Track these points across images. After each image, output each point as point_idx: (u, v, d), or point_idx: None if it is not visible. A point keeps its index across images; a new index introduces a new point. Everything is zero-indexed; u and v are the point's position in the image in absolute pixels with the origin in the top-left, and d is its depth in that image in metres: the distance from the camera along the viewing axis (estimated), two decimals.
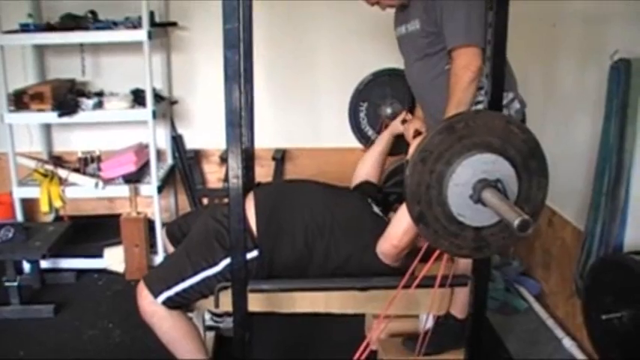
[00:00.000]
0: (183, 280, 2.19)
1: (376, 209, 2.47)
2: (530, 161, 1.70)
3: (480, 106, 2.41)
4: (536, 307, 3.30)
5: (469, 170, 1.63)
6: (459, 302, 2.60)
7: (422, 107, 2.82)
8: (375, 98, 3.19)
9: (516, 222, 1.47)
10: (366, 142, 3.24)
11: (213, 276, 2.17)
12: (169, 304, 2.21)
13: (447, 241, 1.73)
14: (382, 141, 2.91)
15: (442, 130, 1.64)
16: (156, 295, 2.19)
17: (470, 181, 1.63)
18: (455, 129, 1.63)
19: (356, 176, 2.85)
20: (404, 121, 2.86)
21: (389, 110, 3.15)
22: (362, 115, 3.23)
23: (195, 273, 2.19)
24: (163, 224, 3.17)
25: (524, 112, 2.57)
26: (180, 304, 2.25)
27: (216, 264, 2.17)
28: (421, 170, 1.65)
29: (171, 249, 2.67)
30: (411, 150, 2.67)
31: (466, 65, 2.29)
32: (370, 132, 3.24)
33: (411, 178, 1.67)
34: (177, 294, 2.20)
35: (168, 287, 2.19)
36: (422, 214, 1.68)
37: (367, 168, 2.86)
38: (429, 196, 1.67)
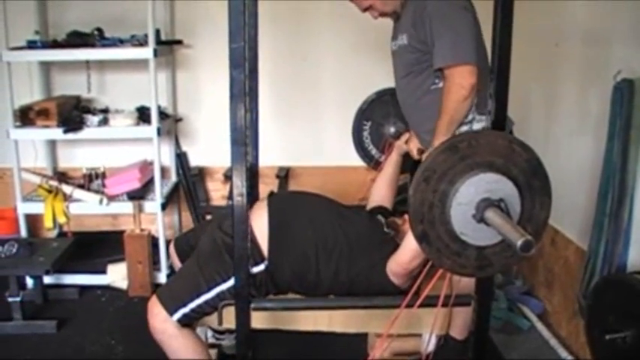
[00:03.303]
0: (198, 296, 2.19)
1: (387, 229, 2.47)
2: (533, 180, 1.71)
3: (479, 125, 2.43)
4: (539, 326, 3.29)
5: (472, 189, 1.63)
6: (458, 323, 2.60)
7: (409, 124, 2.82)
8: (379, 117, 3.20)
9: (519, 242, 1.47)
10: (370, 160, 3.24)
11: (227, 290, 2.17)
12: (184, 320, 2.21)
13: (450, 260, 1.72)
14: (391, 163, 2.90)
15: (445, 150, 1.64)
16: (172, 312, 2.19)
17: (473, 200, 1.63)
18: (458, 148, 1.64)
19: (370, 202, 2.84)
20: (407, 140, 2.87)
21: (392, 129, 3.16)
22: (365, 134, 3.24)
23: (210, 288, 2.19)
24: (167, 241, 3.17)
25: (511, 130, 2.58)
26: (193, 320, 2.26)
27: (230, 278, 2.15)
28: (424, 189, 1.66)
29: (177, 264, 2.67)
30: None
31: (459, 83, 2.29)
32: (374, 151, 3.25)
33: (414, 197, 1.67)
34: (192, 310, 2.20)
35: (184, 304, 2.19)
36: (425, 233, 1.68)
37: (381, 192, 2.85)
38: (432, 215, 1.67)
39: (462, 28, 2.32)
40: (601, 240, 2.56)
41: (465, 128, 2.45)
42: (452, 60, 2.33)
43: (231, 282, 2.16)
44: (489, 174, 1.64)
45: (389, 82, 3.35)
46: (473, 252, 1.72)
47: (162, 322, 2.20)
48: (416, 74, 2.55)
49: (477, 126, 2.46)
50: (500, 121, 1.83)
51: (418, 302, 1.93)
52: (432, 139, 2.44)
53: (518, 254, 1.50)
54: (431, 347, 2.48)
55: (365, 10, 2.67)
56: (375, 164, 3.25)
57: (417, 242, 1.70)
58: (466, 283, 2.28)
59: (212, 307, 2.21)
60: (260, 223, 2.26)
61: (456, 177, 1.65)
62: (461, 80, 2.30)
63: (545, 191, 1.74)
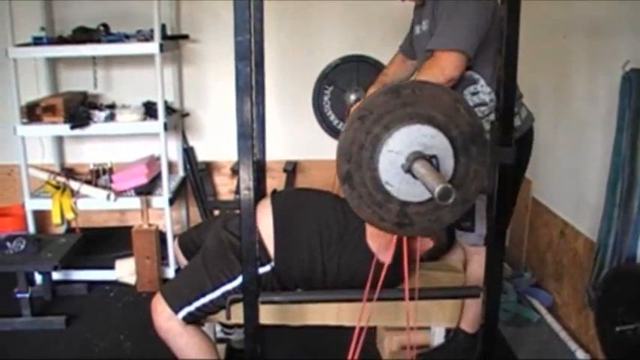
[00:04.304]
0: (203, 295, 2.19)
1: None
2: (472, 146, 1.66)
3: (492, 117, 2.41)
4: (549, 318, 3.28)
5: (406, 139, 1.59)
6: (469, 316, 2.59)
7: None
8: (341, 83, 3.12)
9: (438, 189, 1.44)
10: (327, 127, 3.17)
11: (233, 290, 2.17)
12: (189, 319, 2.20)
13: (370, 210, 1.68)
14: None
15: (387, 92, 1.60)
16: (176, 310, 2.19)
17: (405, 150, 1.59)
18: (400, 94, 1.60)
19: None
20: None
21: (353, 97, 3.07)
22: (326, 99, 3.17)
23: (215, 288, 2.19)
24: (175, 236, 3.17)
25: (531, 127, 2.56)
26: (198, 318, 2.25)
27: (235, 278, 2.16)
28: (358, 128, 1.61)
29: (183, 260, 2.66)
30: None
31: (442, 69, 2.23)
32: (332, 117, 3.18)
33: (345, 134, 1.62)
34: (197, 309, 2.20)
35: (189, 303, 2.19)
36: (350, 174, 1.64)
37: None
38: (361, 156, 1.63)
39: (465, 17, 2.28)
40: (610, 231, 2.55)
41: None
42: (444, 45, 2.28)
43: (236, 282, 2.17)
44: (427, 127, 1.60)
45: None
46: (395, 206, 1.67)
47: (166, 321, 2.20)
48: None
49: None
50: (509, 111, 1.80)
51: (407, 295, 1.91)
52: None
53: (440, 210, 1.48)
54: (440, 337, 2.48)
55: None
56: (334, 133, 3.17)
57: (340, 182, 1.66)
58: (475, 276, 2.27)
59: (217, 306, 2.21)
60: (265, 224, 2.25)
61: (392, 122, 1.61)
62: (445, 65, 2.25)
63: (482, 160, 1.69)
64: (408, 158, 1.58)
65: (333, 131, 3.12)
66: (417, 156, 1.57)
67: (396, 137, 1.59)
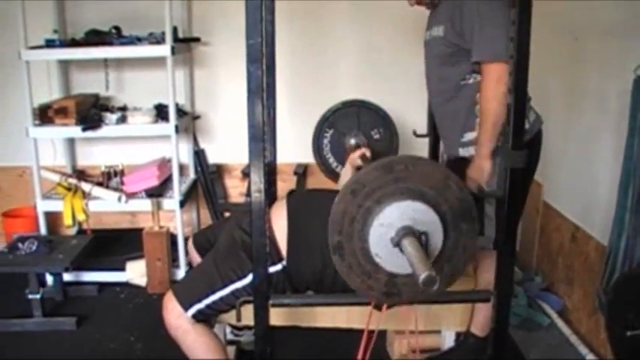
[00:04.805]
0: (213, 292, 2.19)
1: None
2: (461, 222, 1.71)
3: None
4: (559, 323, 3.27)
5: (397, 213, 1.64)
6: (480, 320, 2.59)
7: (435, 117, 2.79)
8: (342, 127, 3.18)
9: (422, 276, 1.47)
10: (326, 169, 3.23)
11: (242, 288, 2.16)
12: (199, 316, 2.20)
13: (359, 279, 1.74)
14: (346, 174, 2.82)
15: (380, 167, 1.66)
16: (186, 308, 2.19)
17: (395, 224, 1.64)
18: (393, 169, 1.65)
19: None
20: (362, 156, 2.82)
21: (353, 141, 3.13)
22: (326, 141, 3.22)
23: (225, 285, 2.18)
24: (186, 238, 3.18)
25: (540, 129, 2.55)
26: (209, 316, 2.26)
27: (245, 276, 2.15)
28: (350, 201, 1.67)
29: (197, 259, 2.67)
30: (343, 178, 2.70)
31: (498, 80, 2.24)
32: (332, 159, 3.23)
33: (337, 207, 1.68)
34: (207, 306, 2.19)
35: (199, 300, 2.19)
36: (340, 245, 1.70)
37: None
38: (352, 228, 1.69)
39: (500, 25, 2.25)
40: (622, 235, 2.54)
41: None
42: (489, 57, 2.29)
43: (246, 280, 2.16)
44: (418, 203, 1.65)
45: (406, 77, 3.35)
46: (384, 277, 1.73)
47: (176, 318, 2.21)
48: (447, 67, 2.50)
49: None
50: (520, 116, 1.80)
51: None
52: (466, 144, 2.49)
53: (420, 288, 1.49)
54: (451, 341, 2.48)
55: None
56: (333, 176, 3.22)
57: (331, 252, 1.72)
58: (486, 280, 2.26)
59: (227, 304, 2.20)
60: (279, 224, 2.25)
61: (384, 197, 1.66)
62: (498, 77, 2.23)
63: (471, 235, 1.74)
64: (397, 232, 1.63)
65: (331, 174, 3.19)
66: (407, 232, 1.62)
67: (386, 211, 1.64)
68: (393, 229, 1.63)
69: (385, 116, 3.19)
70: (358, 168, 2.76)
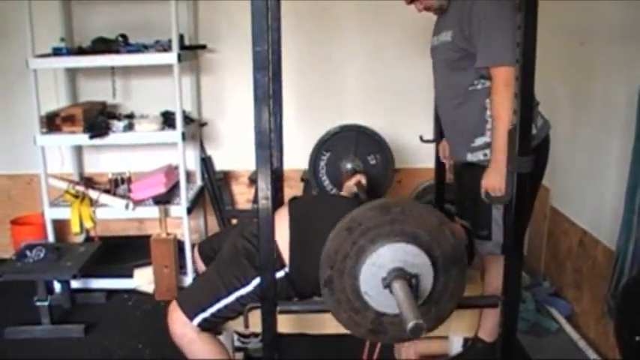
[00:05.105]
0: (217, 300, 2.19)
1: None
2: (452, 267, 1.73)
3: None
4: (568, 328, 3.26)
5: (390, 255, 1.65)
6: (488, 325, 2.58)
7: (442, 122, 2.79)
8: (339, 151, 3.21)
9: (410, 324, 1.48)
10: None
11: (247, 295, 2.16)
12: (205, 325, 2.20)
13: (347, 315, 1.76)
14: None
15: (377, 208, 1.68)
16: (192, 317, 2.19)
17: (387, 265, 1.65)
18: (390, 211, 1.67)
19: None
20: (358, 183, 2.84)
21: (349, 166, 3.17)
22: (322, 164, 3.25)
23: (229, 293, 2.18)
24: (193, 245, 3.18)
25: (547, 134, 2.54)
26: (215, 324, 2.26)
27: (248, 283, 2.16)
28: (344, 238, 1.69)
29: (202, 267, 2.67)
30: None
31: (507, 83, 2.23)
32: (327, 182, 3.26)
33: (331, 242, 1.70)
34: (212, 315, 2.19)
35: (203, 309, 2.19)
36: (331, 279, 1.72)
37: None
38: (344, 265, 1.70)
39: (507, 29, 2.25)
40: (630, 239, 2.53)
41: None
42: (498, 60, 2.29)
43: (250, 287, 2.17)
44: (411, 246, 1.66)
45: (413, 82, 3.33)
46: (371, 315, 1.75)
47: (181, 327, 2.21)
48: (455, 73, 2.51)
49: None
50: (527, 120, 1.80)
51: None
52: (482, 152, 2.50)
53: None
54: (458, 347, 2.47)
55: (410, 2, 2.62)
56: None
57: (321, 286, 1.75)
58: (494, 285, 2.26)
59: (233, 311, 2.20)
60: (281, 230, 2.24)
61: (379, 237, 1.67)
62: (507, 80, 2.22)
63: (461, 281, 1.76)
64: (389, 273, 1.65)
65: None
66: (398, 274, 1.64)
67: (380, 252, 1.66)
68: (385, 270, 1.66)
69: (382, 142, 3.23)
70: (356, 195, 2.78)
